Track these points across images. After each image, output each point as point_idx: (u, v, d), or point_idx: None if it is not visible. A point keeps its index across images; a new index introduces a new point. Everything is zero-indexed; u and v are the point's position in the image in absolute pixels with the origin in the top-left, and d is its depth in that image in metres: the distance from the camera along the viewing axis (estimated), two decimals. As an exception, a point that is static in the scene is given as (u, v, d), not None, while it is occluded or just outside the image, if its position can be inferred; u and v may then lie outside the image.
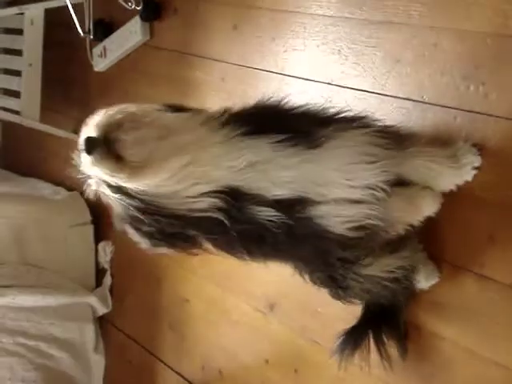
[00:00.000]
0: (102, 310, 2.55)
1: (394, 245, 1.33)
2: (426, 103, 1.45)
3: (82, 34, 2.34)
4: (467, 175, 1.33)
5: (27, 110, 2.51)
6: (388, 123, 1.33)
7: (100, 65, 2.49)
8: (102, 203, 1.12)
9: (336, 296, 1.39)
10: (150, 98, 2.23)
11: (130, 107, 1.08)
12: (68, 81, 2.76)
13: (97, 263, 2.63)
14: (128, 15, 2.28)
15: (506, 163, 1.33)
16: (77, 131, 2.82)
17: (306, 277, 1.33)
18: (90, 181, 1.09)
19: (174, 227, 1.08)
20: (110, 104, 1.12)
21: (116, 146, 1.02)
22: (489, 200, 1.36)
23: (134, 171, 1.02)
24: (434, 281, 1.44)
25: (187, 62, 2.13)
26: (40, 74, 2.54)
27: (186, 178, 1.05)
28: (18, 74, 2.57)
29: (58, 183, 2.80)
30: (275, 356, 1.92)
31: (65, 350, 2.43)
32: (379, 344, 1.46)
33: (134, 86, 2.36)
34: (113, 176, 1.03)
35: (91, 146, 1.02)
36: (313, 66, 1.72)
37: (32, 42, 2.52)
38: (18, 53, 2.57)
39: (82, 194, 2.74)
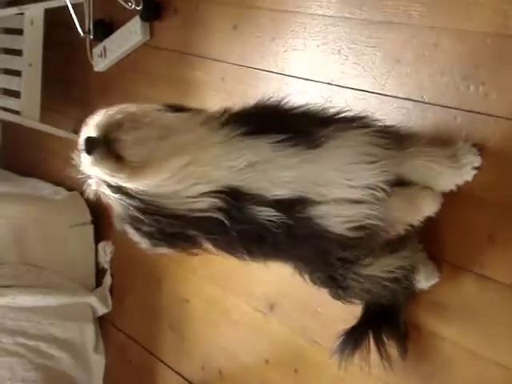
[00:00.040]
0: (102, 310, 2.55)
1: (394, 245, 1.33)
2: (425, 103, 1.45)
3: (82, 34, 2.34)
4: (467, 175, 1.33)
5: (27, 109, 2.51)
6: (388, 123, 1.33)
7: (100, 65, 2.49)
8: (102, 203, 1.12)
9: (336, 296, 1.39)
10: (150, 98, 2.23)
11: (130, 107, 1.08)
12: (68, 81, 2.76)
13: (97, 263, 2.63)
14: (128, 15, 2.28)
15: (506, 163, 1.33)
16: (77, 131, 2.82)
17: (306, 277, 1.33)
18: (89, 181, 1.09)
19: (174, 227, 1.08)
20: (110, 104, 1.12)
21: (116, 146, 1.02)
22: (489, 200, 1.36)
23: (134, 171, 1.02)
24: (434, 281, 1.44)
25: (187, 62, 2.13)
26: (40, 74, 2.54)
27: (186, 178, 1.05)
28: (18, 73, 2.57)
29: (57, 183, 2.80)
30: (275, 356, 1.92)
31: (65, 350, 2.43)
32: (379, 344, 1.46)
33: (134, 86, 2.36)
34: (113, 176, 1.03)
35: (91, 146, 1.02)
36: (313, 66, 1.72)
37: (32, 41, 2.52)
38: (18, 53, 2.57)
39: (81, 193, 2.74)
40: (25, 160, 3.08)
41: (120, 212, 1.08)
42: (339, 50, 1.64)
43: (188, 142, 1.06)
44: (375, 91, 1.55)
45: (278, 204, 1.08)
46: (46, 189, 2.78)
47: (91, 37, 2.39)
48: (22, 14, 2.48)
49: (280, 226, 1.09)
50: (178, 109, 1.14)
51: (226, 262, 1.94)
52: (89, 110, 1.11)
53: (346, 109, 1.22)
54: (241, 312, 2.01)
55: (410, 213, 1.28)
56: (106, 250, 2.57)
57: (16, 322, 2.34)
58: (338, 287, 1.35)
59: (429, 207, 1.30)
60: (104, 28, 2.43)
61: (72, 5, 2.26)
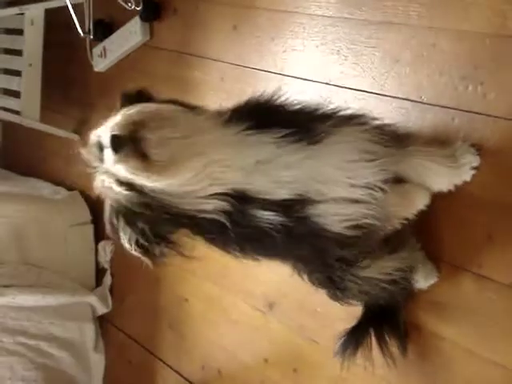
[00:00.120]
0: (101, 310, 2.55)
1: (393, 245, 1.33)
2: (424, 103, 1.45)
3: (82, 34, 2.34)
4: (466, 175, 1.34)
5: (27, 109, 2.52)
6: (387, 122, 1.33)
7: (100, 65, 2.49)
8: (102, 203, 1.12)
9: (334, 297, 1.39)
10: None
11: (150, 107, 1.08)
12: (68, 81, 2.76)
13: (97, 263, 2.63)
14: (128, 15, 2.29)
15: (504, 163, 1.33)
16: (77, 131, 2.83)
17: (305, 277, 1.33)
18: (98, 176, 1.08)
19: (171, 225, 1.09)
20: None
21: (142, 144, 1.02)
22: (487, 200, 1.36)
23: (159, 170, 1.02)
24: (432, 280, 1.44)
25: (187, 61, 2.13)
26: (40, 74, 2.55)
27: (204, 179, 1.05)
28: (18, 73, 2.58)
29: (57, 183, 2.81)
30: (274, 355, 1.92)
31: (65, 350, 2.43)
32: (381, 342, 1.46)
33: (133, 86, 2.36)
34: (137, 174, 1.02)
35: (118, 144, 1.01)
36: (312, 66, 1.72)
37: (32, 42, 2.52)
38: (18, 53, 2.58)
39: (81, 193, 2.75)
40: (25, 160, 3.08)
41: (119, 207, 1.08)
42: (338, 51, 1.64)
43: (209, 142, 1.06)
44: (374, 91, 1.55)
45: (279, 206, 1.09)
46: (45, 188, 2.78)
47: (91, 37, 2.39)
48: (22, 14, 2.49)
49: (279, 230, 1.09)
50: (191, 108, 1.14)
51: (225, 262, 1.95)
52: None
53: (345, 107, 1.23)
54: (240, 311, 2.01)
55: (405, 207, 1.28)
56: (106, 250, 2.57)
57: (16, 321, 2.34)
58: (336, 288, 1.35)
59: (421, 200, 1.30)
60: (104, 28, 2.44)
61: (72, 5, 2.26)
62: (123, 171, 1.02)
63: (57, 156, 2.85)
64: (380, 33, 1.54)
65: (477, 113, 1.36)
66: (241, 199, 1.07)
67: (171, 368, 2.34)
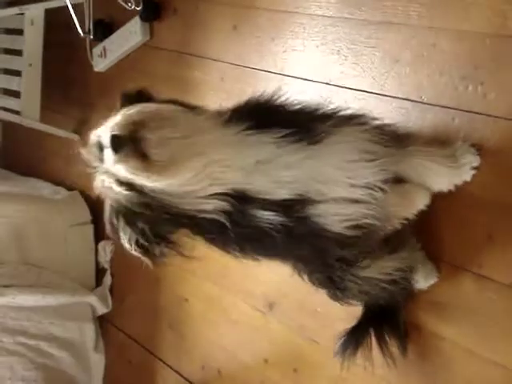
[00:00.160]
0: (101, 310, 2.55)
1: (393, 245, 1.33)
2: (424, 103, 1.45)
3: (82, 34, 2.34)
4: (466, 175, 1.34)
5: (27, 109, 2.52)
6: (387, 122, 1.33)
7: (100, 65, 2.49)
8: (102, 203, 1.12)
9: (334, 297, 1.39)
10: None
11: (150, 107, 1.08)
12: (68, 81, 2.76)
13: (97, 263, 2.63)
14: (128, 15, 2.29)
15: (504, 163, 1.33)
16: (77, 131, 2.83)
17: (305, 277, 1.33)
18: (98, 176, 1.08)
19: (171, 225, 1.09)
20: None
21: (142, 144, 1.02)
22: (487, 200, 1.36)
23: (159, 170, 1.02)
24: (432, 280, 1.44)
25: (187, 61, 2.13)
26: (40, 74, 2.55)
27: (204, 179, 1.05)
28: (18, 74, 2.58)
29: (57, 183, 2.81)
30: (274, 355, 1.92)
31: (65, 350, 2.43)
32: (381, 342, 1.46)
33: (133, 86, 2.36)
34: (137, 175, 1.02)
35: (118, 144, 1.01)
36: (312, 66, 1.72)
37: (32, 42, 2.52)
38: (18, 53, 2.58)
39: (81, 193, 2.74)
40: (25, 160, 3.08)
41: (119, 207, 1.08)
42: (338, 51, 1.64)
43: (209, 142, 1.06)
44: (374, 91, 1.55)
45: (279, 206, 1.09)
46: (45, 188, 2.78)
47: (91, 37, 2.39)
48: (22, 14, 2.49)
49: (280, 230, 1.09)
50: (191, 108, 1.14)
51: (225, 262, 1.94)
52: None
53: (344, 107, 1.23)
54: (240, 311, 2.01)
55: (405, 207, 1.28)
56: (106, 250, 2.57)
57: (16, 321, 2.34)
58: (336, 288, 1.35)
59: (421, 200, 1.30)
60: (104, 28, 2.44)
61: (72, 5, 2.26)
62: (123, 171, 1.02)
63: (57, 156, 2.85)
64: (380, 33, 1.54)
65: (477, 113, 1.36)
66: (241, 199, 1.07)
67: (171, 368, 2.34)
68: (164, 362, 2.37)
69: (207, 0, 2.04)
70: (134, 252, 1.11)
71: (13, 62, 2.62)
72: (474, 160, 1.33)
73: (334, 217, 1.12)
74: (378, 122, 1.24)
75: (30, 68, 2.52)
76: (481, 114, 1.35)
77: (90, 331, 2.51)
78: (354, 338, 1.46)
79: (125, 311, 2.56)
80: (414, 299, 1.48)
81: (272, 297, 1.90)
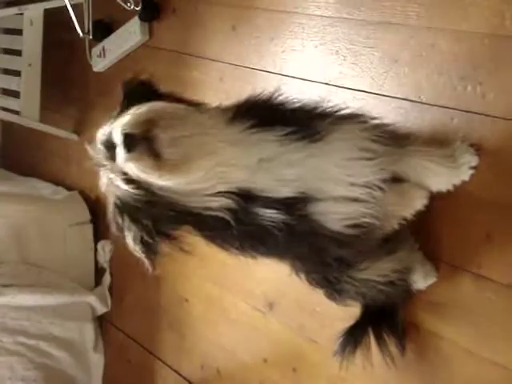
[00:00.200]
0: (101, 310, 2.55)
1: (391, 245, 1.33)
2: (423, 103, 1.45)
3: (81, 34, 2.34)
4: (464, 175, 1.33)
5: (27, 110, 2.52)
6: (386, 121, 1.33)
7: (99, 65, 2.49)
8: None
9: (331, 297, 1.39)
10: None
11: (160, 105, 1.08)
12: (67, 81, 2.76)
13: (96, 262, 2.63)
14: (127, 15, 2.29)
15: (503, 163, 1.33)
16: (76, 131, 2.82)
17: (303, 276, 1.33)
18: (104, 173, 1.08)
19: (174, 223, 1.09)
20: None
21: (154, 143, 1.02)
22: (486, 199, 1.36)
23: (171, 169, 1.02)
24: (431, 281, 1.44)
25: (186, 62, 2.13)
26: (39, 74, 2.55)
27: (213, 177, 1.05)
28: (17, 74, 2.58)
29: (57, 183, 2.81)
30: (274, 355, 1.93)
31: (64, 349, 2.43)
32: (380, 342, 1.46)
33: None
34: (149, 173, 1.02)
35: (131, 142, 1.01)
36: (311, 66, 1.72)
37: (31, 42, 2.52)
38: (17, 53, 2.58)
39: (81, 193, 2.74)
40: (24, 160, 3.08)
41: (124, 205, 1.08)
42: (337, 51, 1.64)
43: (217, 141, 1.06)
44: (373, 91, 1.56)
45: (282, 204, 1.09)
46: (45, 188, 2.78)
47: (90, 37, 2.38)
48: (21, 14, 2.49)
49: (281, 228, 1.09)
50: (192, 104, 1.14)
51: (225, 262, 1.95)
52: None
53: (343, 106, 1.23)
54: (239, 311, 2.01)
55: (403, 206, 1.28)
56: (106, 249, 2.57)
57: (16, 321, 2.35)
58: (332, 289, 1.35)
59: (420, 200, 1.30)
60: (103, 28, 2.44)
61: (71, 5, 2.26)
62: (134, 170, 1.02)
63: (56, 156, 2.85)
64: (379, 33, 1.54)
65: (476, 113, 1.36)
66: (245, 197, 1.08)
67: (170, 368, 2.34)
68: (163, 362, 2.37)
69: (206, 0, 2.04)
70: (138, 252, 1.11)
71: (12, 62, 2.62)
72: (472, 160, 1.33)
73: (333, 215, 1.12)
74: (377, 122, 1.25)
75: (29, 68, 2.52)
76: (479, 114, 1.36)
77: (89, 331, 2.51)
78: (353, 338, 1.47)
79: (124, 311, 2.56)
80: (412, 299, 1.48)
81: (272, 297, 1.90)
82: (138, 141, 1.01)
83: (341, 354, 1.46)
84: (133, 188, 1.04)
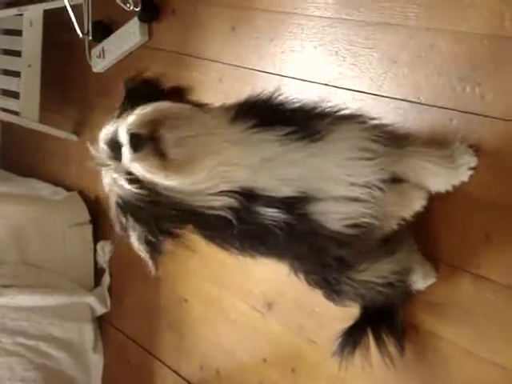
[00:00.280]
0: (100, 310, 2.55)
1: (391, 246, 1.34)
2: (422, 104, 1.45)
3: (80, 35, 2.35)
4: (463, 175, 1.34)
5: (26, 110, 2.52)
6: (385, 122, 1.33)
7: (99, 66, 2.50)
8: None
9: (330, 298, 1.39)
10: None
11: (165, 105, 1.07)
12: (67, 82, 2.76)
13: (95, 263, 2.63)
14: (126, 16, 2.29)
15: (502, 164, 1.33)
16: (76, 132, 2.82)
17: (302, 276, 1.33)
18: (108, 173, 1.08)
19: (176, 222, 1.09)
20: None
21: (160, 143, 1.02)
22: (485, 200, 1.36)
23: (177, 169, 1.02)
24: (430, 281, 1.44)
25: (185, 62, 2.13)
26: (39, 75, 2.55)
27: (216, 177, 1.05)
28: (17, 74, 2.58)
29: (57, 183, 2.81)
30: (273, 355, 1.93)
31: (64, 350, 2.43)
32: (379, 342, 1.46)
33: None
34: (155, 173, 1.02)
35: (138, 142, 1.01)
36: (310, 67, 1.72)
37: (31, 42, 2.52)
38: (17, 54, 2.58)
39: (80, 193, 2.74)
40: (24, 160, 3.08)
41: (128, 205, 1.08)
42: (336, 52, 1.64)
43: (221, 141, 1.07)
44: (372, 92, 1.56)
45: (282, 203, 1.09)
46: (45, 189, 2.79)
47: (90, 38, 2.39)
48: (21, 14, 2.49)
49: (282, 227, 1.09)
50: (193, 104, 1.14)
51: (224, 262, 1.95)
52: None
53: (343, 106, 1.23)
54: (239, 311, 2.02)
55: (402, 207, 1.28)
56: (105, 250, 2.57)
57: (15, 321, 2.35)
58: (331, 290, 1.36)
59: (419, 200, 1.30)
60: (103, 29, 2.44)
61: (71, 6, 2.26)
62: (140, 170, 1.02)
63: (56, 157, 2.85)
64: (378, 34, 1.54)
65: (475, 114, 1.36)
66: (247, 196, 1.08)
67: (170, 368, 2.34)
68: (163, 362, 2.37)
69: (205, 1, 2.04)
70: (142, 251, 1.11)
71: (12, 63, 2.62)
72: (471, 161, 1.33)
73: (333, 215, 1.12)
74: (376, 122, 1.25)
75: (28, 69, 2.52)
76: (478, 114, 1.36)
77: (88, 331, 2.51)
78: (352, 338, 1.47)
79: (124, 311, 2.56)
80: (412, 299, 1.48)
81: (270, 297, 1.90)
82: (145, 141, 1.01)
83: (340, 355, 1.46)
84: (137, 188, 1.04)
